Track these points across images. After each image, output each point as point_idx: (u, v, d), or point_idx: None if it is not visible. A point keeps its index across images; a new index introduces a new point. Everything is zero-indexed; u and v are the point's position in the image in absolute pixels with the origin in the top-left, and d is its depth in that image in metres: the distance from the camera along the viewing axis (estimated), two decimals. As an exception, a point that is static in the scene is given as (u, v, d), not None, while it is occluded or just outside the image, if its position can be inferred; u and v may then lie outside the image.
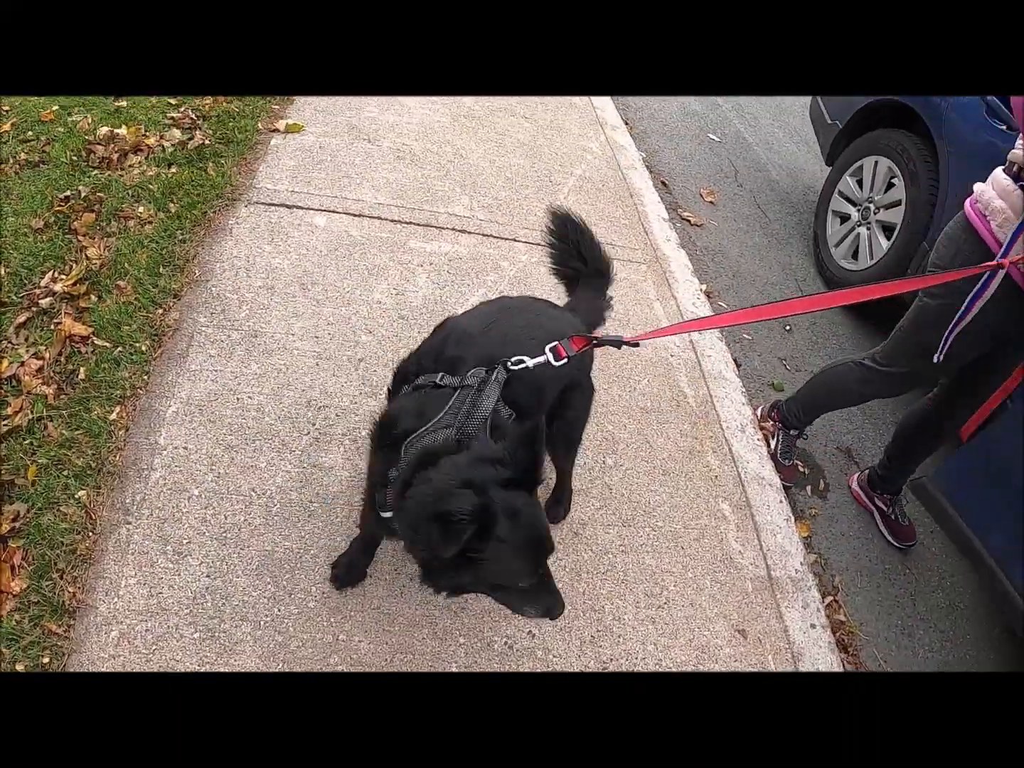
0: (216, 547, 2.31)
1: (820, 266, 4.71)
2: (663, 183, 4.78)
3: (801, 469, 3.55)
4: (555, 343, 2.01)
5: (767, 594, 2.84)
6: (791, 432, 3.45)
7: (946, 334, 2.68)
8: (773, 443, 3.45)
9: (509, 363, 1.93)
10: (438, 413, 1.84)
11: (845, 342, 4.34)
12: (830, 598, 3.11)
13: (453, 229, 3.49)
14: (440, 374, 1.92)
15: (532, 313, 2.25)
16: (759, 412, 3.56)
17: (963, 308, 2.60)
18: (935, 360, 2.72)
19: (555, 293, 3.41)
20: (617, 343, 2.23)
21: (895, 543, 3.52)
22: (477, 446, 1.76)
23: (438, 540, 1.56)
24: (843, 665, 2.88)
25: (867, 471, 3.56)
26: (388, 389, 2.13)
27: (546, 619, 1.92)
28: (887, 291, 2.37)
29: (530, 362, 1.94)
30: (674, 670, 2.51)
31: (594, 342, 2.18)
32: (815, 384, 3.34)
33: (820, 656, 2.80)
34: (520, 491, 1.70)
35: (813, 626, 2.87)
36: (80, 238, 3.11)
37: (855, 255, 4.47)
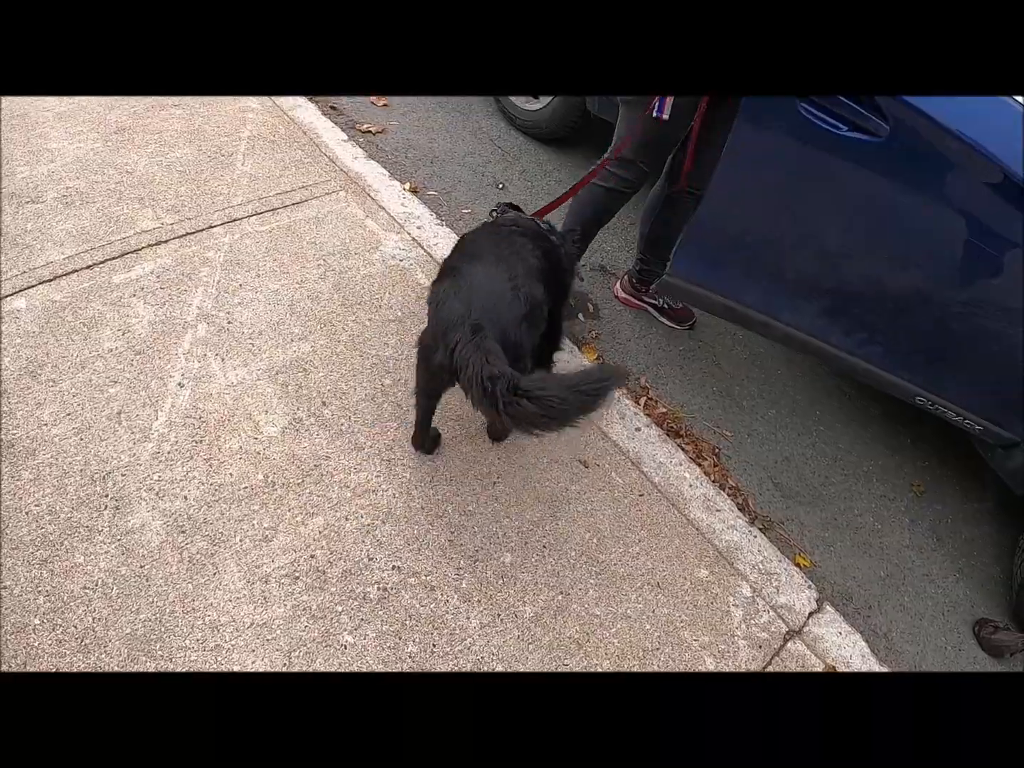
0: (81, 659, 2.25)
1: (508, 118, 4.82)
2: (332, 108, 4.72)
3: (571, 303, 3.69)
4: None
5: (583, 423, 2.99)
6: None
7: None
8: None
9: None
10: None
11: (558, 174, 4.51)
12: (644, 399, 3.30)
13: (149, 245, 3.38)
14: None
15: None
16: None
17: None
18: (654, 116, 2.87)
19: (268, 260, 3.42)
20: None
21: (679, 327, 3.74)
22: None
23: None
24: (681, 449, 3.09)
25: (625, 276, 3.74)
26: None
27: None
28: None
29: None
30: (534, 529, 2.66)
31: None
32: (572, 215, 3.40)
33: (657, 451, 3.01)
34: None
35: (638, 429, 3.07)
36: None
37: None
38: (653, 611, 2.59)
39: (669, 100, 2.79)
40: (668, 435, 3.14)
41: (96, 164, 3.88)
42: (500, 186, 4.30)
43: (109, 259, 3.32)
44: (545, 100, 4.42)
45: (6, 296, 3.20)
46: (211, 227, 3.52)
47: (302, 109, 4.47)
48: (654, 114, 2.84)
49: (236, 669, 2.24)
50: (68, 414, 2.79)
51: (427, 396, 2.56)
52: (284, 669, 2.25)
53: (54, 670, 2.22)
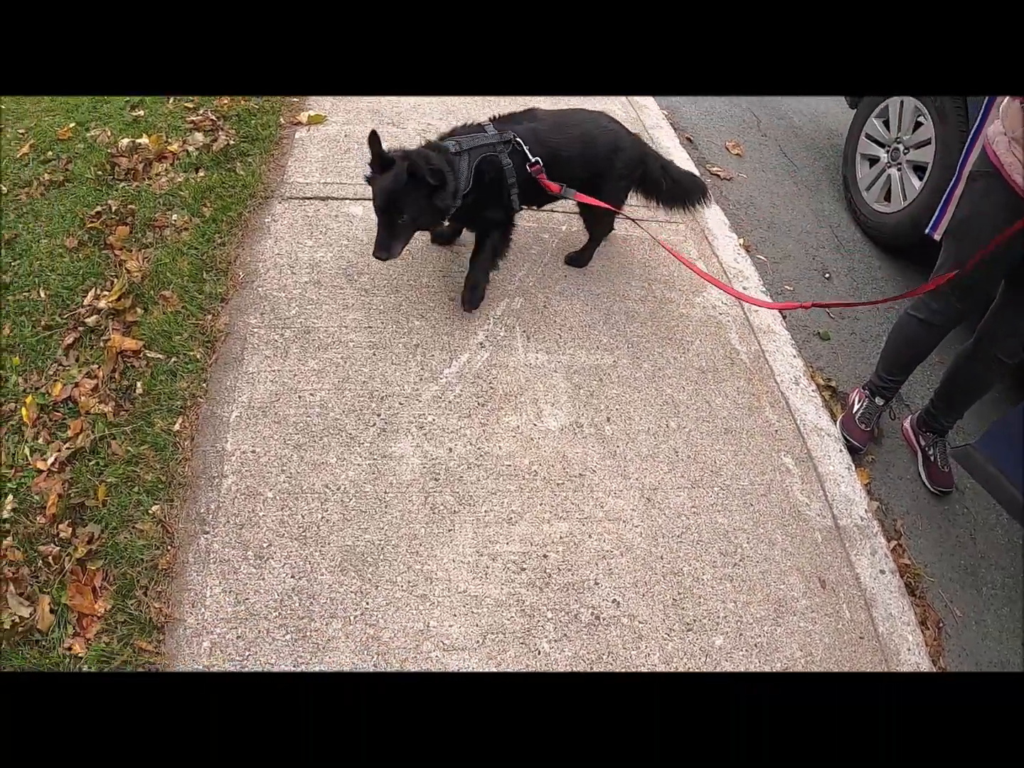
0: (297, 547, 2.34)
1: (853, 211, 4.65)
2: (688, 139, 4.74)
3: (875, 435, 3.52)
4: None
5: (836, 543, 2.86)
6: (876, 400, 3.42)
7: (940, 206, 2.74)
8: (857, 407, 3.44)
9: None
10: None
11: (884, 284, 4.30)
12: (894, 542, 3.12)
13: (492, 206, 3.50)
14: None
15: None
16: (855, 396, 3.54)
17: (954, 178, 2.68)
18: (927, 232, 2.79)
19: (597, 261, 3.43)
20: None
21: (930, 487, 3.50)
22: None
23: None
24: (912, 608, 2.91)
25: (920, 411, 3.56)
26: None
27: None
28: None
29: None
30: (753, 625, 2.54)
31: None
32: (888, 341, 3.34)
33: (892, 601, 2.83)
34: None
35: (882, 572, 2.90)
36: (117, 252, 3.10)
37: (887, 197, 4.40)
38: (832, 757, 2.44)
39: (944, 219, 2.69)
40: (906, 589, 2.96)
41: (460, 114, 4.04)
42: (827, 276, 4.18)
43: (450, 204, 3.44)
44: (899, 205, 4.26)
45: (346, 199, 3.36)
46: (552, 211, 3.58)
47: (661, 131, 4.51)
48: (927, 230, 2.74)
49: (433, 624, 2.26)
50: (369, 327, 2.89)
51: None
52: (476, 646, 2.25)
53: (267, 544, 2.32)
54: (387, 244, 2.70)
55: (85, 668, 2.06)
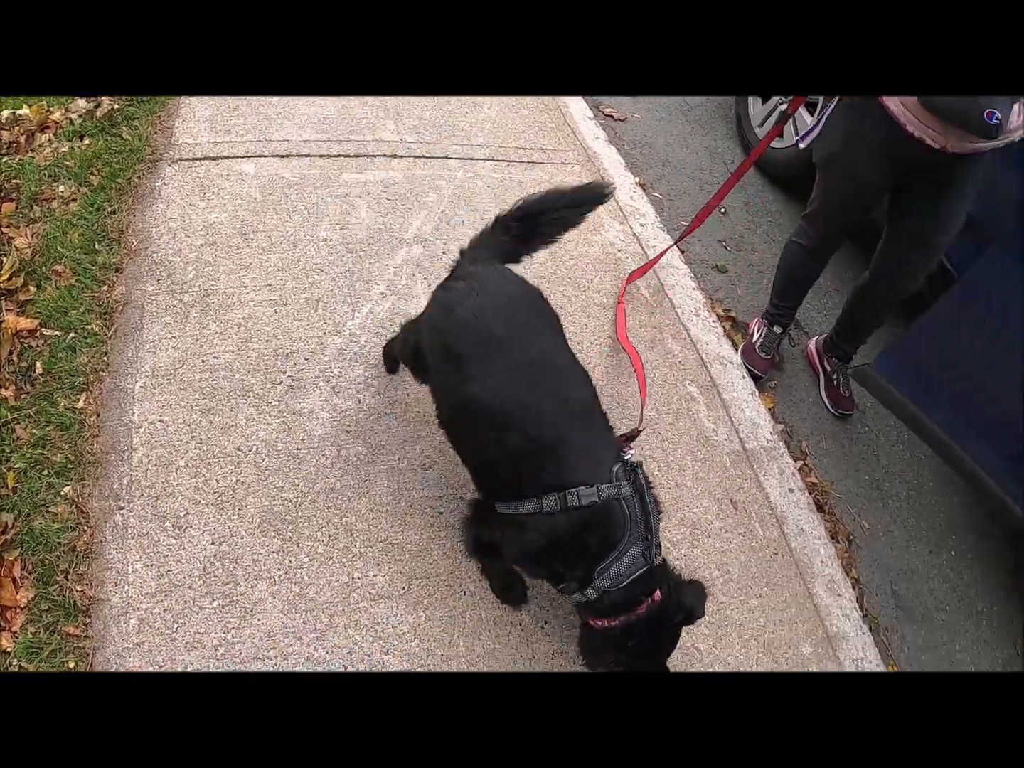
0: (214, 513, 2.33)
1: (746, 148, 4.70)
2: (580, 81, 4.76)
3: (776, 363, 3.62)
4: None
5: (744, 466, 2.96)
6: (774, 328, 3.52)
7: (813, 122, 2.85)
8: (756, 336, 3.54)
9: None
10: (614, 534, 1.89)
11: (779, 218, 4.41)
12: (800, 462, 3.24)
13: (384, 155, 3.47)
14: (577, 491, 1.87)
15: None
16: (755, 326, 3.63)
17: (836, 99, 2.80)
18: (796, 140, 2.92)
19: (494, 207, 3.42)
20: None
21: (831, 410, 3.63)
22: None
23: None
24: (823, 524, 3.02)
25: (825, 337, 3.67)
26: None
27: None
28: None
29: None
30: (671, 549, 2.62)
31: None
32: (777, 268, 3.46)
33: (802, 517, 2.94)
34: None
35: (791, 490, 3.01)
36: (4, 230, 2.96)
37: (780, 134, 4.44)
38: (751, 666, 2.54)
39: (814, 132, 2.85)
40: (815, 505, 3.07)
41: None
42: (722, 210, 4.25)
43: (343, 155, 3.39)
44: (790, 141, 4.27)
45: (237, 157, 3.30)
46: (447, 158, 3.57)
47: (554, 75, 4.51)
48: (796, 138, 2.87)
49: (357, 576, 2.29)
50: (269, 285, 2.87)
51: None
52: (402, 592, 2.29)
53: (184, 513, 2.30)
54: None
55: (14, 663, 2.02)
